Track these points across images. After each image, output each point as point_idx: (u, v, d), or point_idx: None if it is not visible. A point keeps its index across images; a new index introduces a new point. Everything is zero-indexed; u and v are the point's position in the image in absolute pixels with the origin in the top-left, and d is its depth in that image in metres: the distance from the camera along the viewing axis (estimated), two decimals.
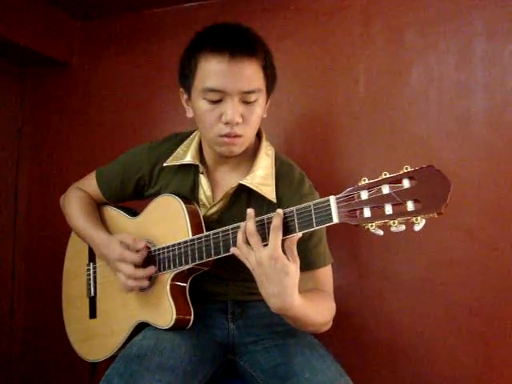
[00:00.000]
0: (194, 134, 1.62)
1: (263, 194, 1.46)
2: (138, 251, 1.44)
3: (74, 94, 2.47)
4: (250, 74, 1.35)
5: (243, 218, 1.44)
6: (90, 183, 1.72)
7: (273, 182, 1.49)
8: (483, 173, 1.81)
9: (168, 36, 2.26)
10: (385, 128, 1.93)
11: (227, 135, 1.37)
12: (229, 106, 1.34)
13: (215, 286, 1.54)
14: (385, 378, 1.90)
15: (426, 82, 1.89)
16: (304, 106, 2.06)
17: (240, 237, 1.24)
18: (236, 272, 1.47)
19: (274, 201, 1.47)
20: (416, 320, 1.88)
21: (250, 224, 1.23)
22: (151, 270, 1.44)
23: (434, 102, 1.88)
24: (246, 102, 1.37)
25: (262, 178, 1.48)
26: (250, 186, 1.46)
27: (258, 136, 1.57)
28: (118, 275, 1.47)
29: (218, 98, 1.35)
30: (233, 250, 1.27)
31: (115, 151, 1.73)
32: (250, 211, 1.25)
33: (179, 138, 1.62)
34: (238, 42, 1.35)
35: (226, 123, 1.35)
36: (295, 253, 1.22)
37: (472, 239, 1.81)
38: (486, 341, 1.79)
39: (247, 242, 1.23)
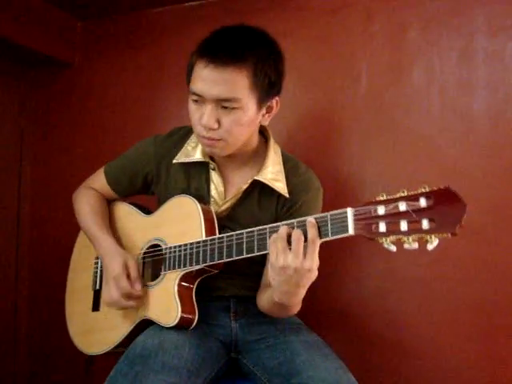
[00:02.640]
0: None
1: (277, 189, 1.54)
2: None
3: (76, 93, 2.50)
4: (230, 81, 1.39)
5: (254, 214, 1.55)
6: (99, 180, 1.77)
7: (283, 177, 1.58)
8: (485, 170, 1.86)
9: (169, 35, 2.30)
10: (387, 126, 1.99)
11: (204, 137, 1.45)
12: (205, 110, 1.42)
13: (217, 281, 1.58)
14: (388, 376, 1.95)
15: (428, 79, 1.94)
16: (306, 105, 2.11)
17: (284, 233, 1.27)
18: (236, 267, 1.51)
19: (287, 195, 1.55)
20: (418, 318, 1.93)
21: (299, 231, 1.26)
22: (135, 302, 1.52)
23: (436, 99, 1.93)
24: (226, 108, 1.42)
25: (273, 173, 1.56)
26: (265, 182, 1.54)
27: (264, 135, 1.65)
28: (103, 289, 1.55)
29: (198, 99, 1.43)
30: (270, 240, 1.29)
31: (117, 150, 1.77)
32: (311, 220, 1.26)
33: (184, 132, 1.68)
34: (224, 49, 1.39)
35: (204, 126, 1.43)
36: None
37: (474, 236, 1.84)
38: (489, 338, 1.85)
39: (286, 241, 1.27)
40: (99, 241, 1.64)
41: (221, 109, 1.41)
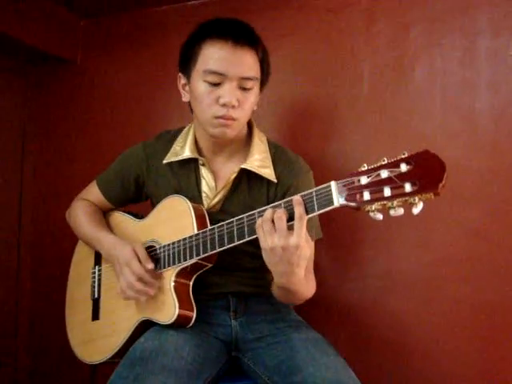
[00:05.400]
0: (186, 128, 1.73)
1: (264, 175, 1.59)
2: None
3: (79, 91, 2.57)
4: (250, 62, 1.52)
5: (245, 204, 1.58)
6: (92, 192, 1.82)
7: (270, 163, 1.63)
8: (487, 170, 1.88)
9: (172, 33, 2.36)
10: (389, 125, 2.02)
11: (223, 117, 1.50)
12: (227, 89, 1.49)
13: (215, 277, 1.61)
14: (388, 375, 1.96)
15: (431, 79, 1.98)
16: (308, 103, 2.15)
17: (269, 215, 1.30)
18: (235, 261, 1.57)
19: (275, 181, 1.60)
20: (419, 317, 1.95)
21: (281, 210, 1.30)
22: (152, 288, 1.52)
23: (439, 99, 1.96)
24: (243, 89, 1.51)
25: (260, 161, 1.61)
26: (252, 169, 1.59)
27: (249, 126, 1.70)
28: (120, 279, 1.55)
29: (218, 80, 1.49)
30: (257, 224, 1.32)
31: (119, 148, 1.82)
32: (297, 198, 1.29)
33: (171, 135, 1.74)
34: (241, 32, 1.52)
35: (223, 105, 1.49)
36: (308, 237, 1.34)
37: (476, 236, 1.88)
38: (489, 338, 1.85)
39: (272, 222, 1.30)
40: (101, 240, 1.67)
41: (238, 88, 1.50)
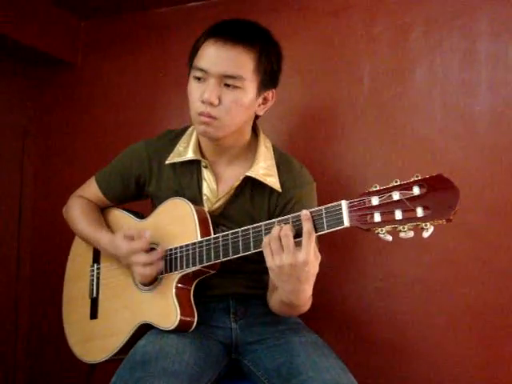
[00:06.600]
0: (190, 129, 1.71)
1: (269, 184, 1.58)
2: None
3: (79, 93, 2.55)
4: (238, 59, 1.48)
5: (247, 211, 1.58)
6: (90, 188, 1.80)
7: (275, 172, 1.62)
8: (486, 172, 1.89)
9: (172, 35, 2.35)
10: (389, 127, 2.02)
11: (201, 114, 1.49)
12: (207, 85, 1.47)
13: (215, 279, 1.60)
14: (388, 377, 1.98)
15: (430, 81, 1.98)
16: (308, 105, 2.15)
17: (276, 233, 1.30)
18: (236, 264, 1.54)
19: (280, 190, 1.59)
20: (419, 319, 1.96)
21: (287, 227, 1.31)
22: (161, 251, 1.53)
23: (438, 101, 1.96)
24: (228, 86, 1.49)
25: (265, 169, 1.60)
26: (257, 178, 1.58)
27: (255, 131, 1.69)
28: (134, 269, 1.54)
29: (201, 76, 1.49)
30: (264, 242, 1.32)
31: (119, 150, 1.80)
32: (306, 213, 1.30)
33: (174, 134, 1.73)
34: (235, 31, 1.50)
35: (203, 101, 1.48)
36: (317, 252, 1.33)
37: (475, 239, 1.89)
38: (489, 340, 1.87)
39: (279, 240, 1.30)
40: (98, 241, 1.68)
41: (223, 86, 1.48)
